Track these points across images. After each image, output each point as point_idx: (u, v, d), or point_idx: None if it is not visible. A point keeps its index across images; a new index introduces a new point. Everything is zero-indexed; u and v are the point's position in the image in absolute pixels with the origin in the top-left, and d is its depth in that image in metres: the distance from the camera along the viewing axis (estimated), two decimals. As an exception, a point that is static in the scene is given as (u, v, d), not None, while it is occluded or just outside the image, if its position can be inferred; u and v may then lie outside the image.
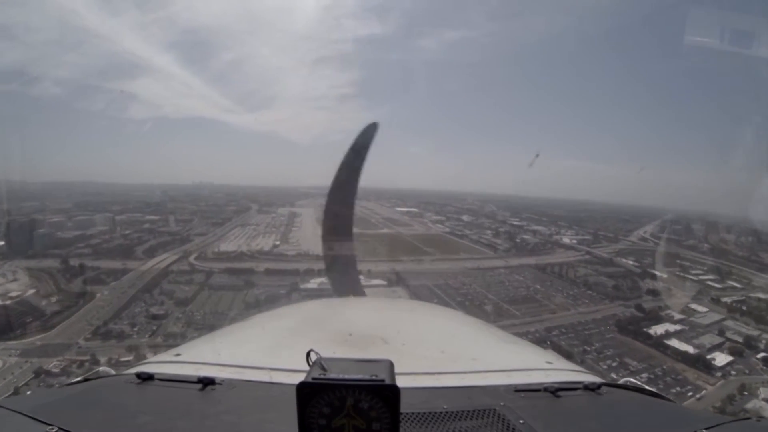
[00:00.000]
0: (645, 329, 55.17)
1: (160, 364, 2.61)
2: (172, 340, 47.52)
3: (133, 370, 2.35)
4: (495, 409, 1.86)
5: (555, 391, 2.12)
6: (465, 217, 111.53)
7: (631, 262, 78.40)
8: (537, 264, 76.86)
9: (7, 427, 1.68)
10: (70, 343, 48.32)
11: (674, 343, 52.47)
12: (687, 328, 56.12)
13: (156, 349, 47.03)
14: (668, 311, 60.41)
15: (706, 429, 1.77)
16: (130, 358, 43.01)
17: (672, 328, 55.70)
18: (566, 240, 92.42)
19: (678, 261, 76.25)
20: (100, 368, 2.69)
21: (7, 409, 1.79)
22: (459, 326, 4.41)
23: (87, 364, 43.78)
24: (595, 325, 56.45)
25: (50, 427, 1.61)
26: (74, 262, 68.59)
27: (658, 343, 52.89)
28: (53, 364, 43.60)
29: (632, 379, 2.67)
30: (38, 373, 42.61)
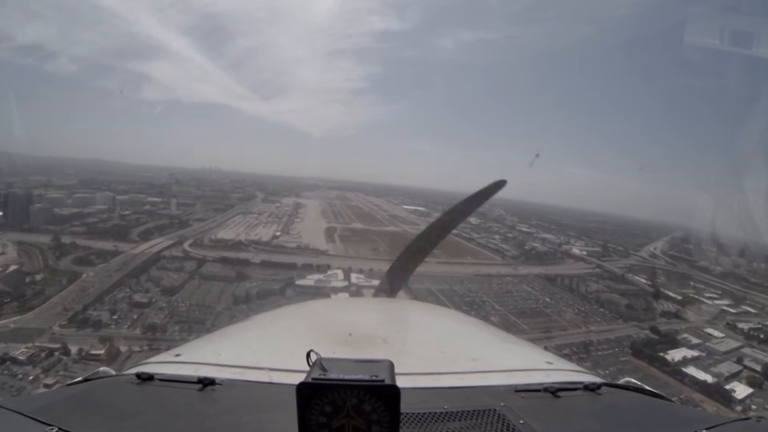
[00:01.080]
0: (661, 354, 50.99)
1: (160, 365, 2.52)
2: (151, 334, 43.75)
3: (133, 371, 2.28)
4: (495, 410, 1.81)
5: (555, 391, 2.07)
6: (473, 220, 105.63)
7: (643, 281, 74.11)
8: (546, 274, 72.35)
9: (7, 427, 1.64)
10: (44, 328, 44.57)
11: (692, 370, 48.41)
12: (704, 354, 52.29)
13: (130, 341, 43.12)
14: (684, 335, 56.51)
15: (706, 429, 1.71)
16: (101, 352, 39.06)
17: (689, 353, 51.82)
18: (576, 251, 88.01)
19: (691, 283, 73.34)
20: (100, 368, 2.54)
21: (7, 409, 1.73)
22: (459, 326, 4.38)
23: (56, 353, 40.14)
24: (609, 346, 52.08)
25: (50, 427, 1.57)
26: (67, 239, 65.64)
27: (676, 370, 48.65)
28: (20, 352, 39.62)
29: (632, 379, 2.50)
30: (3, 360, 38.68)
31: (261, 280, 56.64)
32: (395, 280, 7.77)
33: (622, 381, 2.46)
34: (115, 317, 47.75)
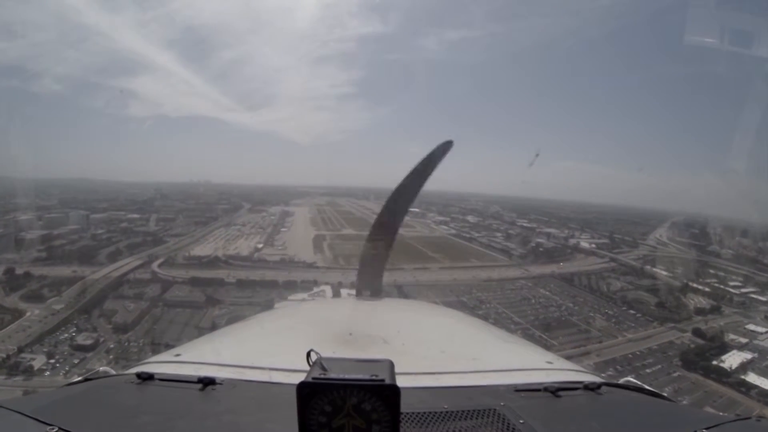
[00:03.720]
0: (714, 362, 41.66)
1: (160, 364, 2.47)
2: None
3: (134, 370, 2.23)
4: (495, 409, 1.76)
5: (555, 391, 2.02)
6: (470, 218, 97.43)
7: (664, 272, 64.66)
8: (561, 274, 62.71)
9: (7, 427, 1.61)
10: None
11: (753, 378, 39.67)
12: (756, 355, 43.55)
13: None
14: (730, 335, 47.38)
15: (706, 429, 1.66)
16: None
17: (741, 357, 42.77)
18: (584, 244, 78.21)
19: (711, 271, 65.32)
20: (100, 368, 2.48)
21: (7, 409, 1.69)
22: (459, 326, 4.19)
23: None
24: (653, 357, 42.63)
25: (50, 427, 1.53)
26: (24, 268, 54.67)
27: (737, 381, 39.46)
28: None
29: (632, 379, 2.45)
30: None
31: (234, 305, 46.48)
32: (369, 281, 6.26)
33: (622, 381, 2.38)
34: (52, 361, 38.00)
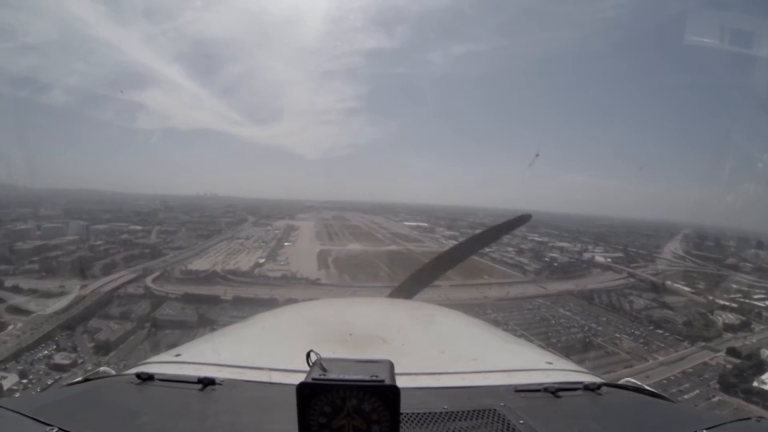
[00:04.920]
0: (755, 383, 37.36)
1: (160, 364, 2.43)
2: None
3: (133, 370, 2.20)
4: (495, 409, 1.75)
5: (555, 391, 1.99)
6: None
7: (686, 288, 60.20)
8: (579, 290, 58.23)
9: (7, 427, 1.59)
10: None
11: None
12: None
13: None
14: (766, 352, 42.54)
15: (706, 429, 1.65)
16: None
17: None
18: (599, 258, 73.95)
19: (733, 285, 60.45)
20: (100, 368, 2.45)
21: (7, 409, 1.68)
22: (459, 326, 4.01)
23: None
24: (689, 381, 38.14)
25: (50, 427, 1.52)
26: (15, 280, 51.39)
27: None
28: None
29: (632, 379, 2.40)
30: None
31: (227, 325, 41.25)
32: (413, 287, 7.00)
33: (622, 381, 2.34)
34: (24, 381, 34.53)
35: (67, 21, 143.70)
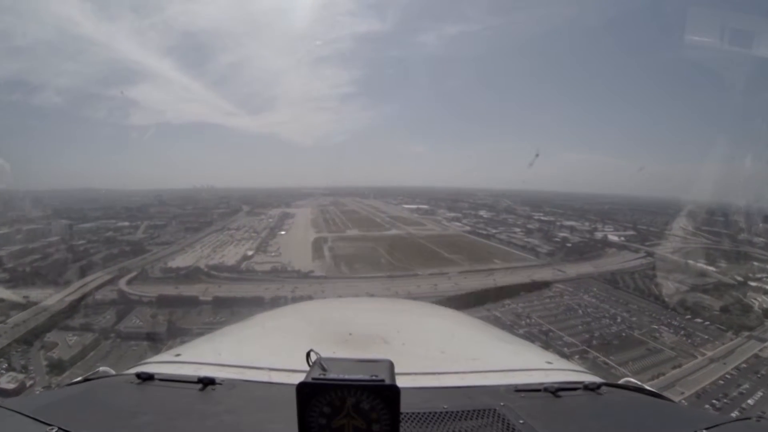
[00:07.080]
0: None
1: (160, 364, 2.41)
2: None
3: (133, 370, 2.18)
4: (495, 409, 1.72)
5: (555, 391, 1.96)
6: (483, 213, 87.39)
7: (710, 268, 54.40)
8: (600, 273, 52.38)
9: (7, 427, 1.58)
10: None
11: None
12: None
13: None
14: None
15: (706, 429, 1.62)
16: None
17: None
18: (612, 237, 68.34)
19: (754, 263, 55.63)
20: (100, 368, 2.40)
21: (7, 409, 1.66)
22: (459, 326, 3.98)
23: None
24: (748, 381, 32.05)
25: (50, 427, 1.50)
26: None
27: None
28: None
29: (632, 379, 2.38)
30: None
31: (199, 335, 34.69)
32: None
33: (622, 381, 2.33)
34: None
35: (54, 21, 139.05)
